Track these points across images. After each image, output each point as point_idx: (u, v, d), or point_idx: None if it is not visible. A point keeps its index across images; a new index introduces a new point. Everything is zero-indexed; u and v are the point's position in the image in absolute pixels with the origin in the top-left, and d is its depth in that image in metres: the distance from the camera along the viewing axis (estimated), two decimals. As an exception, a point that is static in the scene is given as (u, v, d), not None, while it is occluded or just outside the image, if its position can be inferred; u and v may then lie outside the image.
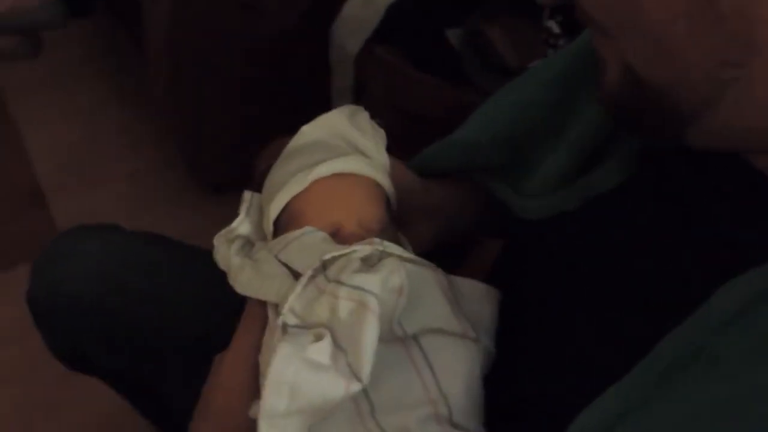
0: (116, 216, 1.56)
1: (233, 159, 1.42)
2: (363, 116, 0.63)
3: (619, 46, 0.38)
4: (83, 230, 0.81)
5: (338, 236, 0.54)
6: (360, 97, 1.20)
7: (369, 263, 0.49)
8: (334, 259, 0.49)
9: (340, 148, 0.59)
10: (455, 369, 0.47)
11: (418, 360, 0.47)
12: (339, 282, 0.46)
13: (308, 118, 0.65)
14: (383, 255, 0.50)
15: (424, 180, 0.64)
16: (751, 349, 0.34)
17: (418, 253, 0.60)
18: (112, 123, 1.81)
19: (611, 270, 0.45)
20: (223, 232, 0.60)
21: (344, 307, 0.45)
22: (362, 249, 0.49)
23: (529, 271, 0.53)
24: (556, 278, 0.49)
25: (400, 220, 0.62)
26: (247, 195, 0.62)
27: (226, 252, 0.58)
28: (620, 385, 0.38)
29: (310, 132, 0.62)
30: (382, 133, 0.62)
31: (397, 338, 0.48)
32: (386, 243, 0.51)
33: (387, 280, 0.46)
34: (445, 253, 0.68)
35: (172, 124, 1.50)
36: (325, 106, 1.30)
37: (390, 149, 0.65)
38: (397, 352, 0.48)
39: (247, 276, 0.54)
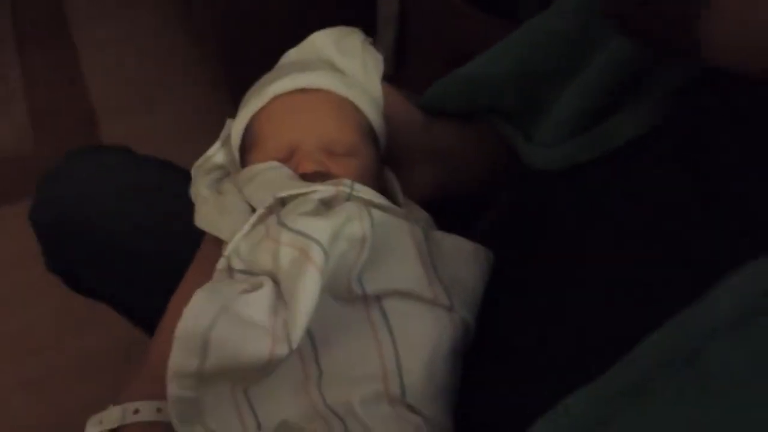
0: (162, 139, 1.57)
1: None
2: (353, 39, 0.54)
3: None
4: (88, 151, 0.77)
5: (294, 158, 0.47)
6: (405, 27, 1.10)
7: (331, 206, 0.42)
8: (291, 197, 0.42)
9: (317, 66, 0.52)
10: (418, 341, 0.39)
11: (378, 325, 0.40)
12: (283, 225, 0.39)
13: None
14: (350, 198, 0.43)
15: (427, 117, 0.55)
16: (751, 362, 0.25)
17: (417, 202, 0.52)
18: (164, 48, 1.79)
19: (612, 244, 0.36)
20: (199, 161, 0.55)
21: (285, 255, 0.38)
22: (324, 189, 0.42)
23: (529, 233, 0.44)
24: (556, 246, 0.41)
25: (395, 160, 0.54)
26: (230, 122, 0.55)
27: (200, 183, 0.52)
28: (588, 390, 0.29)
29: (294, 53, 0.54)
30: (376, 57, 0.54)
31: (356, 297, 0.41)
32: (357, 186, 0.43)
33: (344, 228, 0.39)
34: (455, 206, 0.60)
35: (217, 48, 1.45)
36: (371, 28, 1.23)
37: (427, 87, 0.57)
38: (356, 313, 0.40)
39: (206, 209, 0.48)
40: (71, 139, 1.62)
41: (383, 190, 0.51)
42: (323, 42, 0.54)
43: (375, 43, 1.09)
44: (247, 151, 0.51)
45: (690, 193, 0.33)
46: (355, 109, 0.50)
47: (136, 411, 0.42)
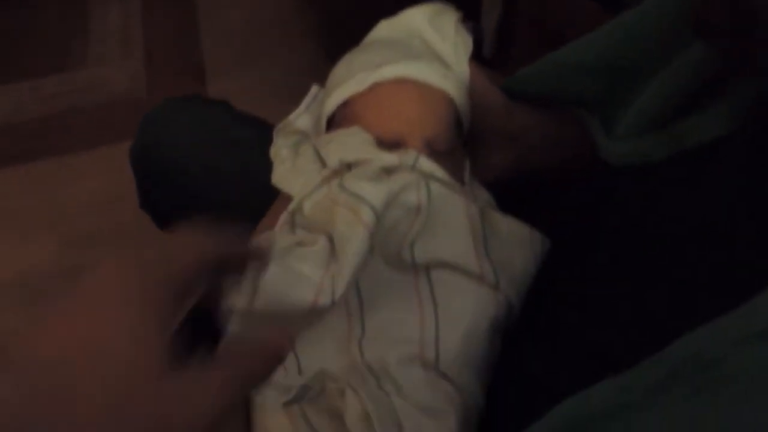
0: (262, 101, 1.63)
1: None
2: (448, 17, 0.55)
3: None
4: (189, 100, 0.82)
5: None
6: (510, 8, 1.09)
7: (392, 174, 0.43)
8: (357, 163, 0.44)
9: (414, 49, 0.52)
10: (459, 314, 0.41)
11: (423, 294, 0.41)
12: (342, 187, 0.41)
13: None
14: (413, 169, 0.44)
15: (509, 101, 0.55)
16: None
17: (486, 182, 0.53)
18: (280, 13, 1.85)
19: (665, 246, 0.36)
20: (281, 124, 0.57)
21: (340, 215, 0.40)
22: (388, 158, 0.44)
23: (589, 224, 0.44)
24: (612, 239, 0.41)
25: (471, 139, 0.55)
26: (314, 89, 0.58)
27: (280, 144, 0.55)
28: (614, 381, 0.30)
29: (386, 27, 0.55)
30: (467, 39, 0.55)
31: (406, 265, 0.42)
32: (422, 158, 0.44)
33: (400, 195, 0.40)
34: (524, 192, 0.60)
35: (321, 20, 1.48)
36: (476, 10, 1.22)
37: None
38: (404, 280, 0.42)
39: (283, 169, 0.51)
40: (179, 89, 1.70)
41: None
42: (418, 19, 0.55)
43: (477, 23, 1.08)
44: (337, 126, 0.52)
45: (747, 204, 0.32)
46: (451, 103, 0.51)
47: None
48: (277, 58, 1.75)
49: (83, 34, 1.83)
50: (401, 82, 0.50)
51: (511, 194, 0.54)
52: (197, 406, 0.27)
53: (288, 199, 0.50)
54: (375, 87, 0.50)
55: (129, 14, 1.87)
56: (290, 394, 0.40)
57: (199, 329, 0.36)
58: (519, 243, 0.44)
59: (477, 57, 1.16)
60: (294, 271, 0.39)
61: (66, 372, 0.25)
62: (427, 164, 0.44)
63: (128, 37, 1.81)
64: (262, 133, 0.78)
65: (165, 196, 0.78)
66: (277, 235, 0.43)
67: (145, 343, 0.27)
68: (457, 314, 0.41)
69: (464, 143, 0.54)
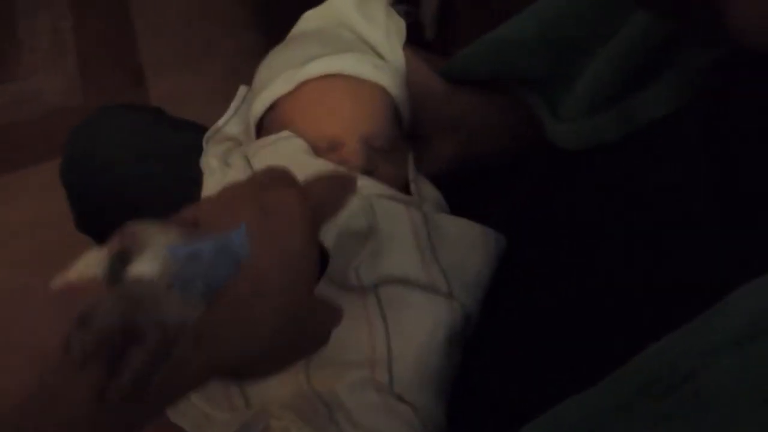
0: (205, 99, 1.57)
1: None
2: (377, 2, 0.51)
3: None
4: (121, 110, 0.77)
5: (339, 154, 0.45)
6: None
7: None
8: None
9: (342, 40, 0.49)
10: (412, 329, 0.38)
11: (372, 312, 0.38)
12: None
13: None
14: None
15: (448, 86, 0.52)
16: (748, 387, 0.22)
17: (434, 174, 0.50)
18: (214, 9, 1.78)
19: (623, 245, 0.33)
20: (210, 131, 0.53)
21: None
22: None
23: (545, 219, 0.42)
24: (569, 236, 0.38)
25: (412, 130, 0.51)
26: (242, 90, 0.54)
27: (210, 154, 0.52)
28: (579, 401, 0.27)
29: (313, 17, 0.52)
30: (399, 23, 0.51)
31: (352, 286, 0.39)
32: (361, 177, 0.42)
33: (347, 223, 0.38)
34: (474, 184, 0.57)
35: (263, 13, 1.43)
36: None
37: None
38: (351, 299, 0.39)
39: (213, 182, 0.47)
40: (119, 94, 1.63)
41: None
42: (345, 6, 0.51)
43: (413, 5, 1.04)
44: (268, 131, 0.48)
45: (709, 189, 0.30)
46: (387, 95, 0.48)
47: None
48: (220, 52, 1.69)
49: (12, 45, 1.74)
50: (331, 79, 0.47)
51: (461, 186, 0.51)
52: (325, 328, 0.32)
53: None
54: (303, 86, 0.47)
55: (57, 19, 1.79)
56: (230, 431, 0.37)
57: None
58: (470, 245, 0.41)
59: (419, 41, 1.12)
60: None
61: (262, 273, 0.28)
62: (361, 179, 0.41)
63: (59, 43, 1.73)
64: (197, 138, 0.74)
65: (100, 214, 0.74)
66: None
67: (310, 261, 0.30)
68: (409, 329, 0.38)
69: (406, 136, 0.51)
